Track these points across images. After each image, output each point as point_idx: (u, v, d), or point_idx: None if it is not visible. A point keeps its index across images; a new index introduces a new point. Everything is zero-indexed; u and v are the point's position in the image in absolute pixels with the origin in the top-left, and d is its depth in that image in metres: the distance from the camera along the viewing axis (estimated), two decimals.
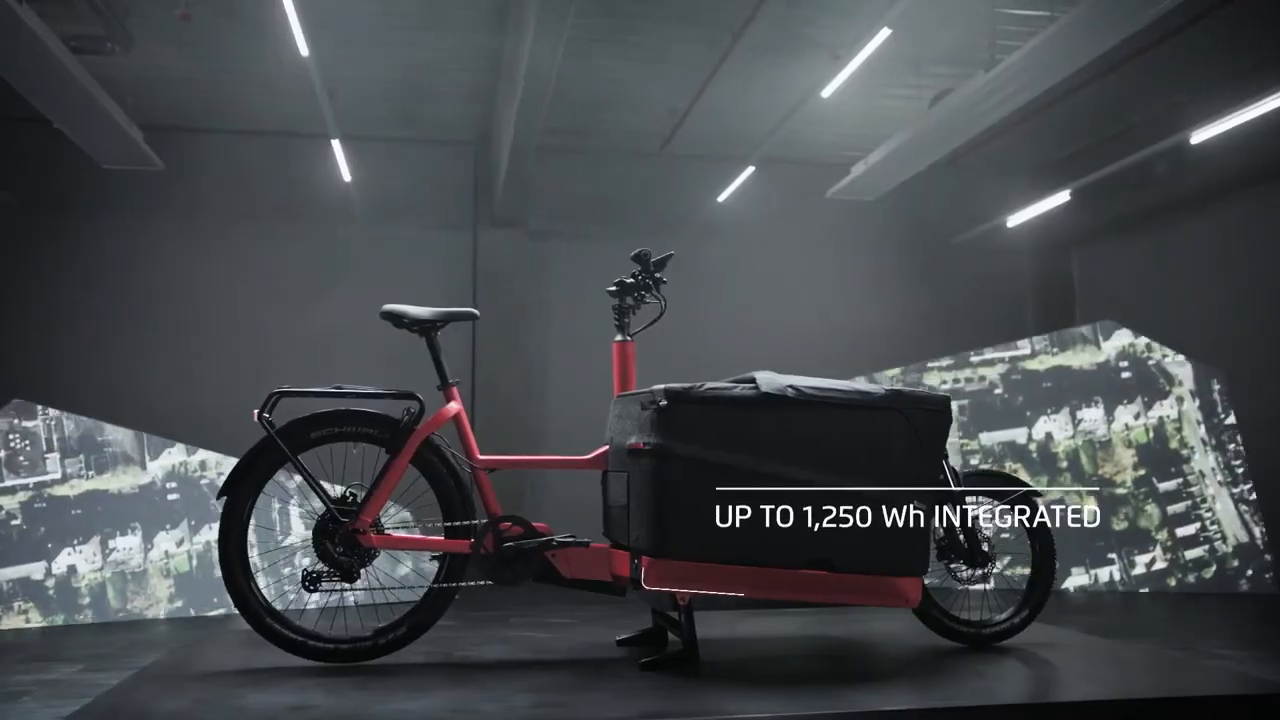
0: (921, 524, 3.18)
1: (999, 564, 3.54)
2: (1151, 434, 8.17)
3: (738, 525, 3.06)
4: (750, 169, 10.73)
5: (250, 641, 3.15)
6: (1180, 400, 8.19)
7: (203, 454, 7.98)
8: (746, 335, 11.86)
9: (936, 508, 3.43)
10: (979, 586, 3.52)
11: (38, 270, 10.82)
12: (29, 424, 7.16)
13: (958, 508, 3.44)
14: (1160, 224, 11.53)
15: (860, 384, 3.25)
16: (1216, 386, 8.21)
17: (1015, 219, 11.67)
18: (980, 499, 3.62)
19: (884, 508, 3.13)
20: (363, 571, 3.23)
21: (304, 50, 7.54)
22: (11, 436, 7.12)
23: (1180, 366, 8.21)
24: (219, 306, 11.22)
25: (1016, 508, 3.55)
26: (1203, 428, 8.13)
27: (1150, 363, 8.29)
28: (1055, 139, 11.47)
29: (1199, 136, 8.87)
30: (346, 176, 10.63)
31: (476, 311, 3.37)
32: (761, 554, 3.07)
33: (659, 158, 12.11)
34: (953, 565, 3.51)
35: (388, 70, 9.77)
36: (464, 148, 12.18)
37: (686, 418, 3.07)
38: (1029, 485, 3.58)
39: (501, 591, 3.33)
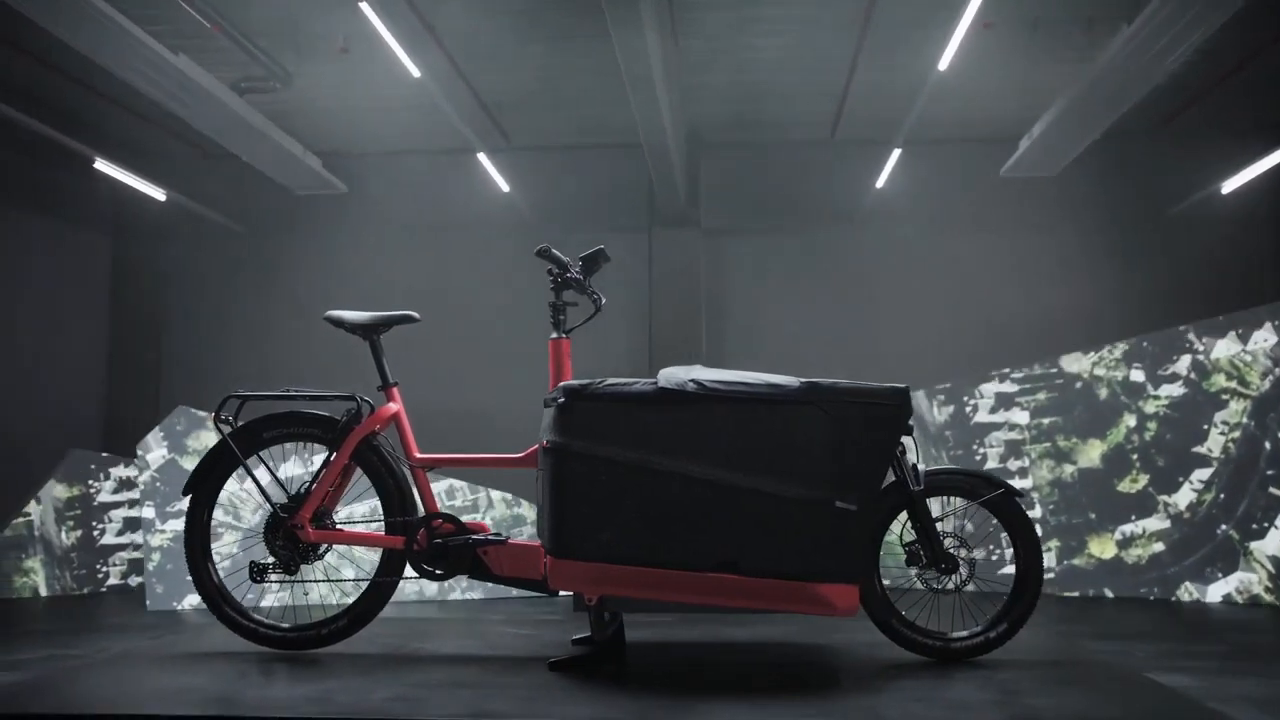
0: (848, 526, 2.95)
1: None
2: None
3: (639, 526, 2.98)
4: (897, 151, 10.21)
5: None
6: None
7: None
8: (929, 325, 11.30)
9: (888, 510, 3.19)
10: (949, 592, 3.22)
11: (255, 290, 12.05)
12: None
13: (917, 509, 3.17)
14: None
15: (775, 377, 3.04)
16: None
17: (1231, 184, 10.36)
18: (952, 499, 3.31)
19: (795, 508, 2.93)
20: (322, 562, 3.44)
21: (415, 71, 7.96)
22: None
23: None
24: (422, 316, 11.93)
25: (998, 508, 3.21)
26: None
27: None
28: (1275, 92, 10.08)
29: None
30: (505, 187, 11.09)
31: (416, 314, 3.46)
32: (665, 556, 2.97)
33: (828, 145, 11.79)
34: (920, 571, 3.22)
35: (554, 80, 10.06)
36: (636, 150, 12.38)
37: (584, 415, 3.02)
38: (1006, 484, 3.22)
39: None
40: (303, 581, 3.39)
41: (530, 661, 3.15)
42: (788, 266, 12.17)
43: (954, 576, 3.20)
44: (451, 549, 3.28)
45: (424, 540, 3.30)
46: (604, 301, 3.48)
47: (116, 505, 8.10)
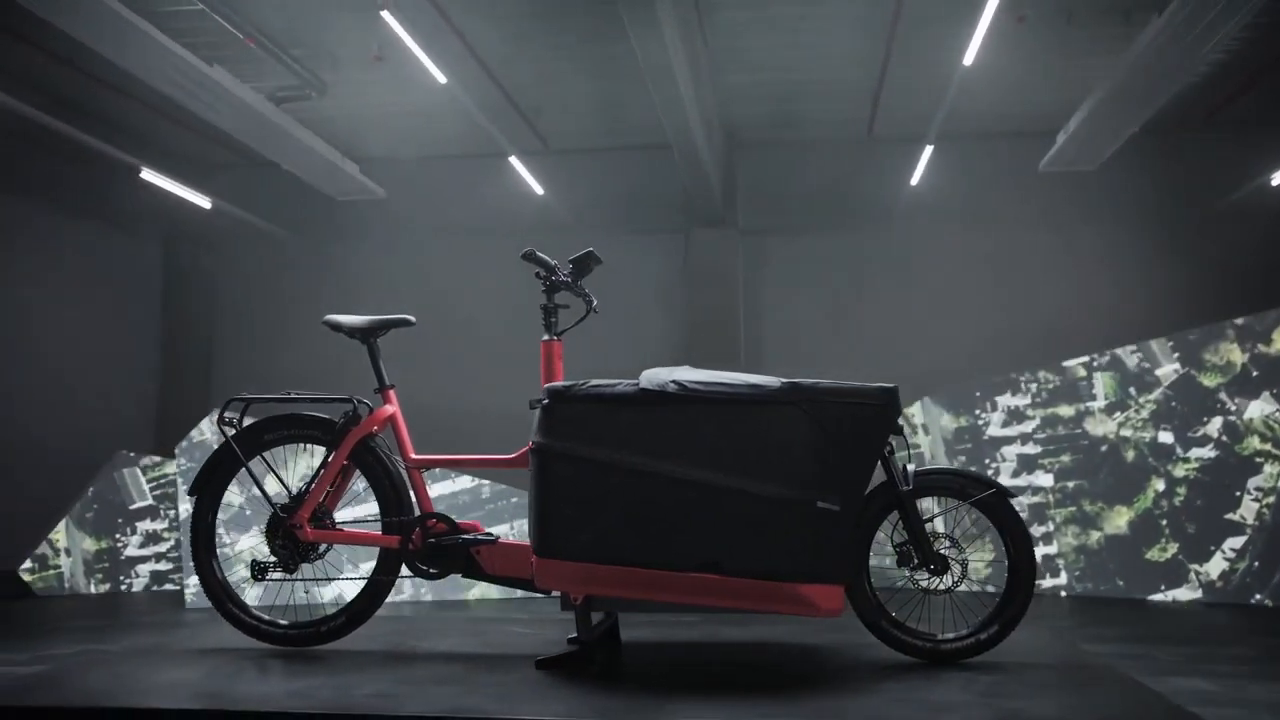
0: (831, 526, 2.94)
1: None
2: None
3: (622, 526, 3.01)
4: (929, 149, 10.07)
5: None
6: None
7: None
8: (967, 323, 11.16)
9: (877, 511, 3.18)
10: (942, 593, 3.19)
11: (300, 292, 12.27)
12: None
13: (906, 510, 3.15)
14: None
15: (757, 378, 3.05)
16: None
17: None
18: (944, 500, 3.29)
19: (777, 509, 2.93)
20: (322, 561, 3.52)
21: (441, 77, 8.04)
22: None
23: None
24: (456, 319, 12.08)
25: (990, 509, 3.18)
26: None
27: None
28: None
29: None
30: (539, 190, 11.16)
31: (412, 318, 3.51)
32: (648, 556, 2.99)
33: (865, 143, 11.70)
34: (913, 573, 3.20)
35: (589, 82, 10.10)
36: (672, 151, 12.36)
37: (567, 416, 3.06)
38: (997, 484, 3.19)
39: None
40: (303, 580, 3.47)
41: (522, 659, 3.19)
42: (826, 266, 12.08)
43: (945, 577, 3.18)
44: (445, 548, 3.34)
45: (419, 540, 3.36)
46: (596, 303, 3.51)
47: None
